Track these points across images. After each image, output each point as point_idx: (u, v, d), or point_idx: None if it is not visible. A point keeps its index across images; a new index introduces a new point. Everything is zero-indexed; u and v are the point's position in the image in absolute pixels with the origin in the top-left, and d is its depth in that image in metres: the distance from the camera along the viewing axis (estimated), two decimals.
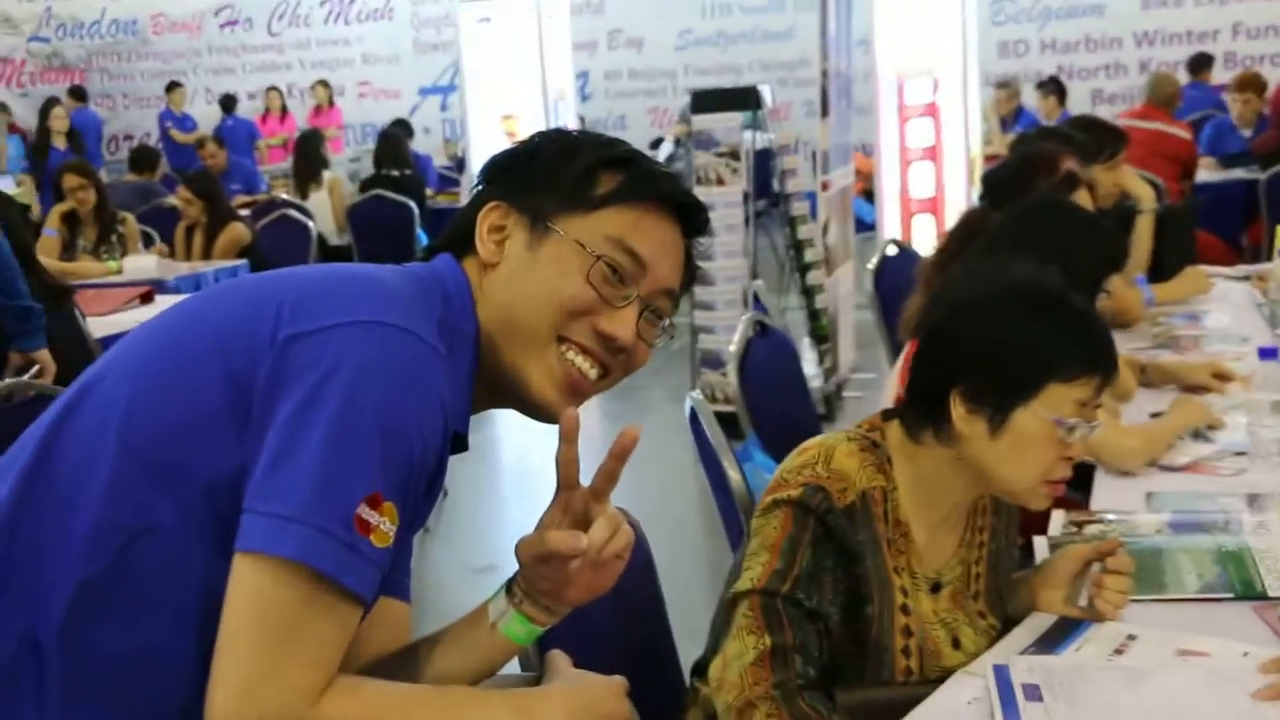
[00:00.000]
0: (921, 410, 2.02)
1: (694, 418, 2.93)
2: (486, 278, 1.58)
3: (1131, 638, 2.02)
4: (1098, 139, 4.66)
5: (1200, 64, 12.01)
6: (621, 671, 1.60)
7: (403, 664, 1.62)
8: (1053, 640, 2.04)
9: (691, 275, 1.71)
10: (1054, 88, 11.46)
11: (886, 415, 2.09)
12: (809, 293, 7.11)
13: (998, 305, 2.02)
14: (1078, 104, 12.28)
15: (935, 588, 2.07)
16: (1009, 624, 2.13)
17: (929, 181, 8.59)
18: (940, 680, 1.98)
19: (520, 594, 1.58)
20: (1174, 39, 13.64)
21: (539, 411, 1.59)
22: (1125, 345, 3.83)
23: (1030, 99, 12.08)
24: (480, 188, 1.65)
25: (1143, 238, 4.75)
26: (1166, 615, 2.13)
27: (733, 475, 2.78)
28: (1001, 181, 3.95)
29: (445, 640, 1.64)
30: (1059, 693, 1.84)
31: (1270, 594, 2.16)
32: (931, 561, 2.07)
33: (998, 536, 2.17)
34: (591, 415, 7.53)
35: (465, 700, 1.51)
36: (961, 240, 3.75)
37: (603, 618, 1.97)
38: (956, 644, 2.06)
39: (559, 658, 1.62)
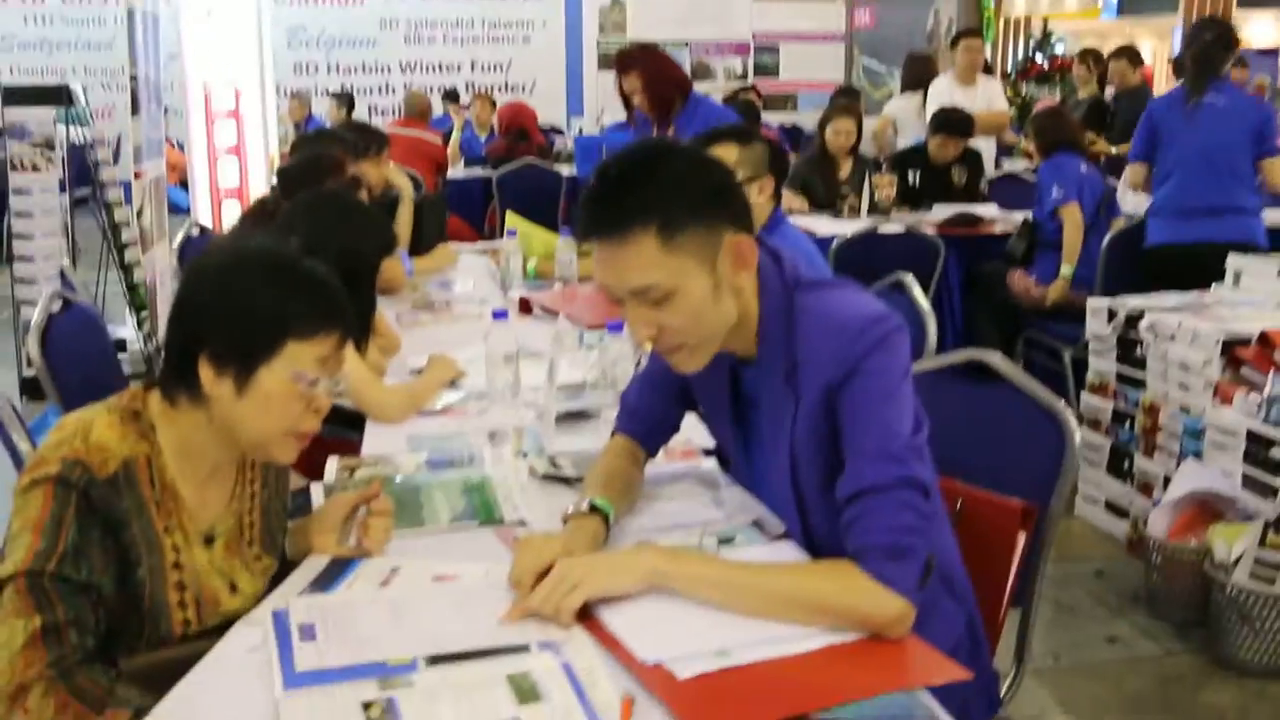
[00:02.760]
0: (174, 375, 1.69)
1: None
2: None
3: (395, 570, 1.80)
4: (366, 139, 4.49)
5: (452, 95, 12.04)
6: None
7: None
8: (328, 579, 1.78)
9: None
10: (345, 100, 11.08)
11: (147, 385, 1.75)
12: (128, 268, 6.44)
13: (236, 269, 1.71)
14: (358, 115, 12.05)
15: (209, 540, 1.76)
16: (290, 566, 1.85)
17: (235, 173, 8.28)
18: (225, 627, 1.67)
19: None
20: (429, 68, 13.74)
21: None
22: (390, 309, 3.66)
23: (320, 108, 11.71)
24: None
25: (404, 220, 4.61)
26: (427, 545, 1.93)
27: (22, 446, 2.31)
28: (292, 176, 3.69)
29: None
30: (331, 630, 1.59)
31: (505, 519, 2.02)
32: (203, 516, 1.76)
33: (269, 484, 1.89)
34: None
35: None
36: (253, 224, 3.46)
37: None
38: (234, 589, 1.78)
39: None
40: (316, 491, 2.13)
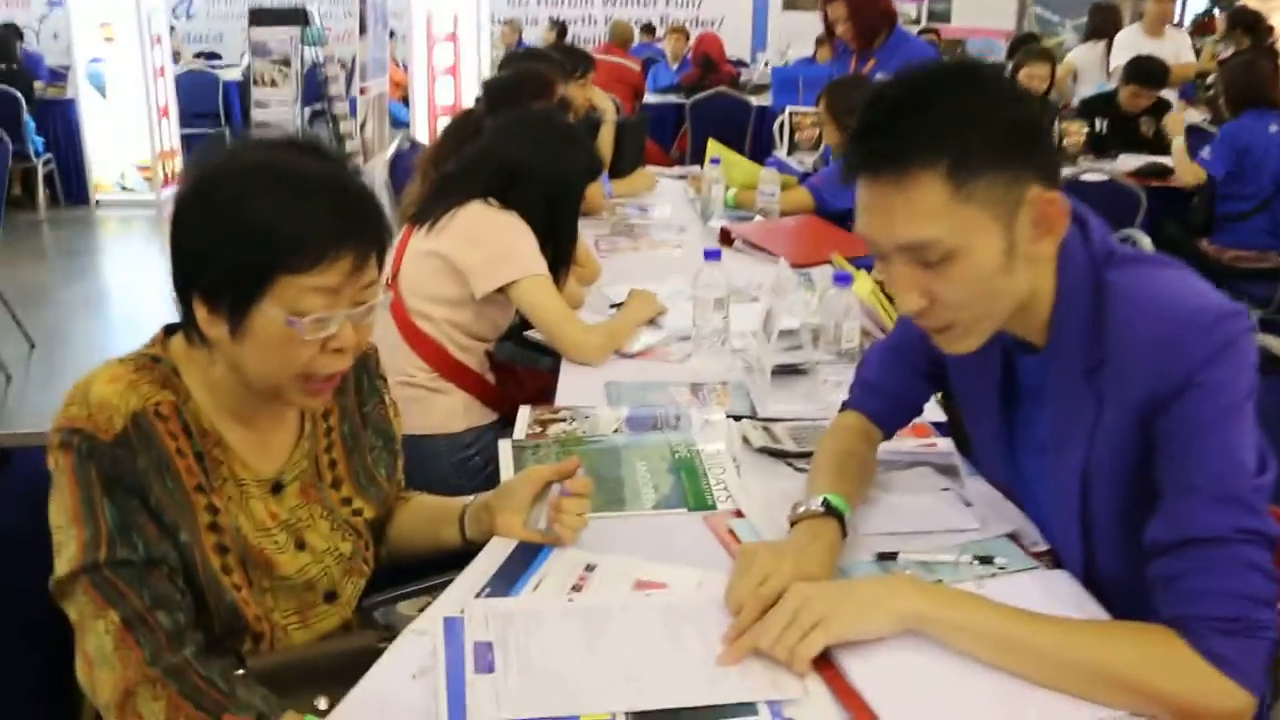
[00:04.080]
0: (183, 315, 1.21)
1: None
2: None
3: (590, 568, 1.31)
4: (573, 60, 3.94)
5: (648, 28, 11.48)
6: None
7: None
8: (512, 574, 1.29)
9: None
10: (558, 26, 10.58)
11: (169, 329, 1.26)
12: None
13: (216, 192, 1.15)
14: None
15: (277, 487, 1.29)
16: (474, 549, 1.37)
17: (450, 92, 7.87)
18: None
19: None
20: (627, 2, 13.05)
21: None
22: (589, 232, 3.16)
23: (530, 35, 11.22)
24: None
25: (605, 142, 4.06)
26: (626, 529, 1.43)
27: None
28: (499, 90, 3.14)
29: None
30: (513, 655, 1.11)
31: (718, 506, 1.49)
32: (265, 462, 1.29)
33: (349, 416, 1.39)
34: None
35: None
36: (457, 137, 2.93)
37: None
38: (302, 545, 1.30)
39: None
40: (504, 449, 1.64)
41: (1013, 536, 1.41)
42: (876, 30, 4.06)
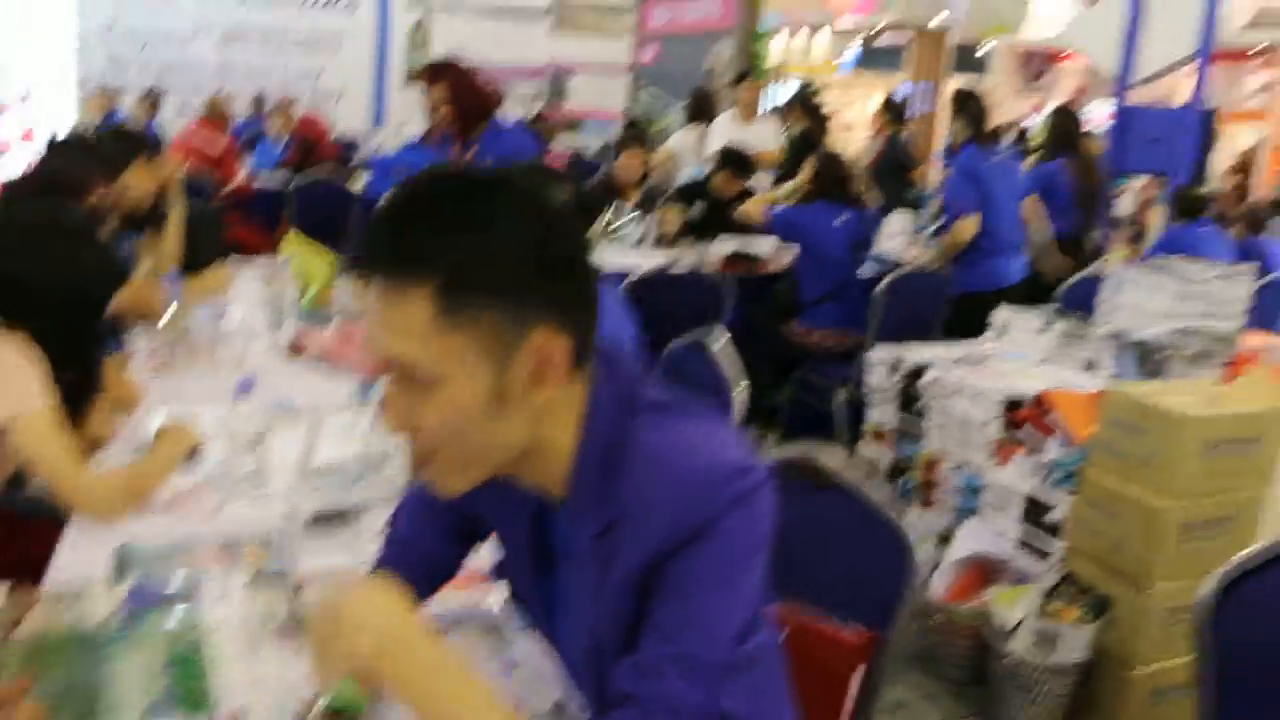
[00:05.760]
0: None
1: None
2: None
3: None
4: (129, 145, 3.50)
5: (258, 101, 10.63)
6: None
7: None
8: None
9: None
10: (151, 98, 9.66)
11: None
12: None
13: None
14: (167, 115, 10.59)
15: None
16: None
17: (25, 165, 7.01)
18: None
19: None
20: (243, 72, 12.33)
21: None
22: (142, 343, 2.84)
23: (129, 107, 10.26)
24: None
25: (172, 235, 3.70)
26: None
27: None
28: (20, 195, 2.73)
29: None
30: None
31: (217, 705, 1.28)
32: None
33: None
34: None
35: None
36: None
37: None
38: None
39: None
40: None
41: (558, 707, 1.32)
42: (476, 117, 4.09)
